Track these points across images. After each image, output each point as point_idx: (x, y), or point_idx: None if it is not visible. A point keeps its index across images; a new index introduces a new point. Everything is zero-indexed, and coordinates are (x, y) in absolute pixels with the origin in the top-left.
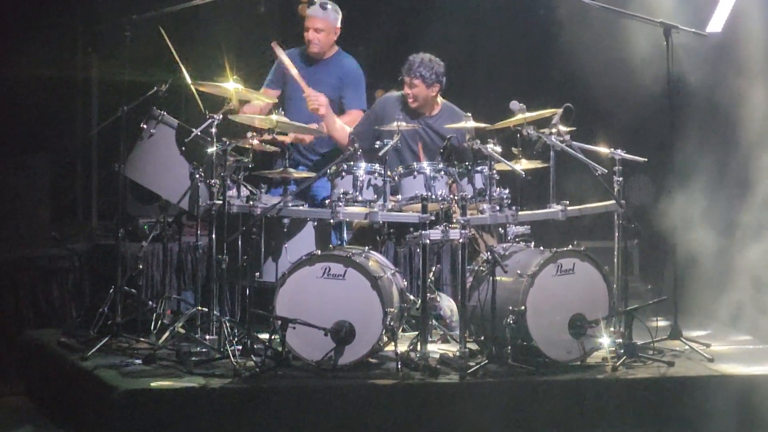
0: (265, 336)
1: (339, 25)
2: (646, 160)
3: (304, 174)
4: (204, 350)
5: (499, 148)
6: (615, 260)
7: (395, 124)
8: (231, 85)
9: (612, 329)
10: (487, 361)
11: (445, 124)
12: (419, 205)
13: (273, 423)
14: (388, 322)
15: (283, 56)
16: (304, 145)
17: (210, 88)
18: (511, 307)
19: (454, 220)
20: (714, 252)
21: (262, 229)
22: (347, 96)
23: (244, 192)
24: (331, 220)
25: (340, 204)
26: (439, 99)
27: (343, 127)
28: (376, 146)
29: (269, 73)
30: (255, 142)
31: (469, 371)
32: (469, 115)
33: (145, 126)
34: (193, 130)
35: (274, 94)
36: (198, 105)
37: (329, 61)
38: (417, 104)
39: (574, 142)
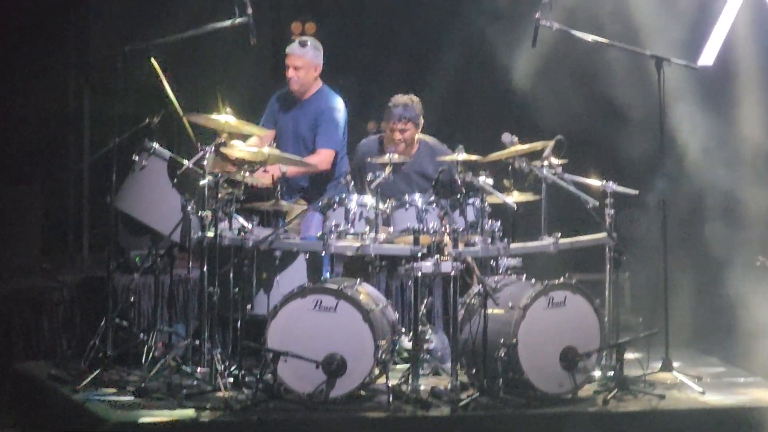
0: (256, 368)
1: (320, 61)
2: (637, 192)
3: (296, 206)
4: (195, 383)
5: (490, 181)
6: (606, 293)
7: (387, 157)
8: (223, 118)
9: (603, 362)
10: (478, 394)
11: (425, 162)
12: (411, 238)
13: None
14: (379, 355)
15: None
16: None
17: (202, 121)
18: (502, 340)
19: (446, 253)
20: (705, 284)
21: (254, 262)
22: (318, 134)
23: (236, 224)
24: (323, 253)
25: (332, 236)
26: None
27: (311, 166)
28: (369, 178)
29: (263, 115)
30: (247, 174)
31: (460, 404)
32: (461, 146)
33: (137, 158)
34: (185, 162)
35: (270, 134)
36: (190, 137)
37: (310, 99)
38: (404, 147)
39: (566, 175)
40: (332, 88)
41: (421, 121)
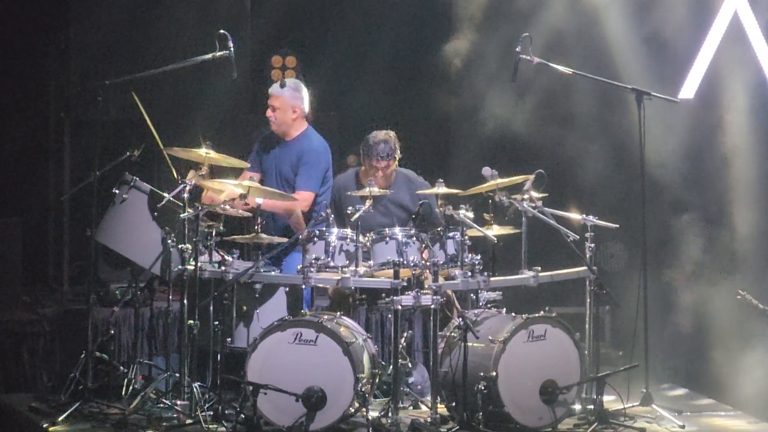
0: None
1: (300, 104)
2: (617, 226)
3: (276, 239)
4: (175, 416)
5: (471, 214)
6: (587, 326)
7: (367, 190)
8: (203, 151)
9: (583, 395)
10: (458, 427)
11: (401, 193)
12: (391, 271)
13: None
14: (359, 388)
15: None
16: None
17: (182, 154)
18: (482, 373)
19: (426, 286)
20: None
21: (234, 295)
22: (299, 176)
23: (216, 257)
24: (303, 286)
25: (312, 270)
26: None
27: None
28: (348, 211)
29: (250, 155)
30: (228, 207)
31: None
32: (441, 180)
33: (117, 191)
34: (166, 195)
35: (255, 176)
36: (171, 170)
37: (293, 141)
38: (385, 181)
39: (546, 208)
40: (316, 128)
41: (399, 154)
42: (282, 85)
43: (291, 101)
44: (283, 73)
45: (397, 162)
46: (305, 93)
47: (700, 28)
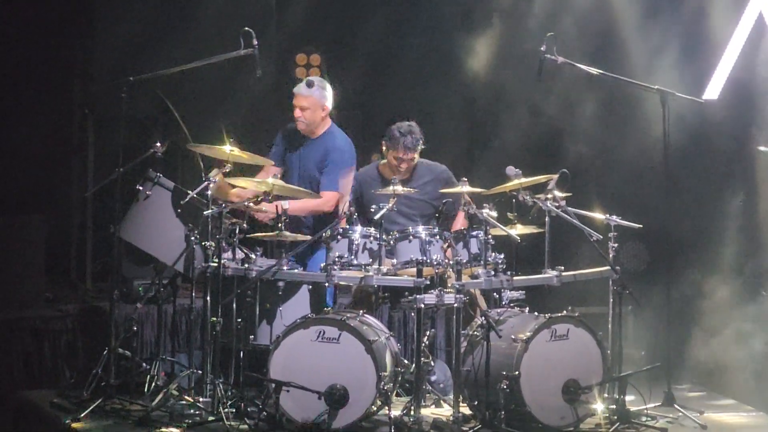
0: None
1: (327, 102)
2: (641, 226)
3: (300, 237)
4: (197, 413)
5: (494, 213)
6: (609, 326)
7: (391, 188)
8: (227, 148)
9: (606, 395)
10: (480, 426)
11: (423, 181)
12: (414, 270)
13: None
14: (381, 386)
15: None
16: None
17: (206, 151)
18: (504, 372)
19: (449, 285)
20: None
21: (257, 292)
22: (324, 176)
23: (240, 254)
24: (326, 284)
25: (335, 268)
26: None
27: (313, 206)
28: (372, 209)
29: (271, 149)
30: (252, 205)
31: None
32: (465, 179)
33: (141, 188)
34: (189, 192)
35: (278, 171)
36: (198, 166)
37: (318, 139)
38: (408, 173)
39: (570, 208)
40: (340, 126)
41: (422, 146)
42: (309, 85)
43: (320, 100)
44: (308, 71)
45: (418, 154)
46: (330, 90)
47: (726, 29)
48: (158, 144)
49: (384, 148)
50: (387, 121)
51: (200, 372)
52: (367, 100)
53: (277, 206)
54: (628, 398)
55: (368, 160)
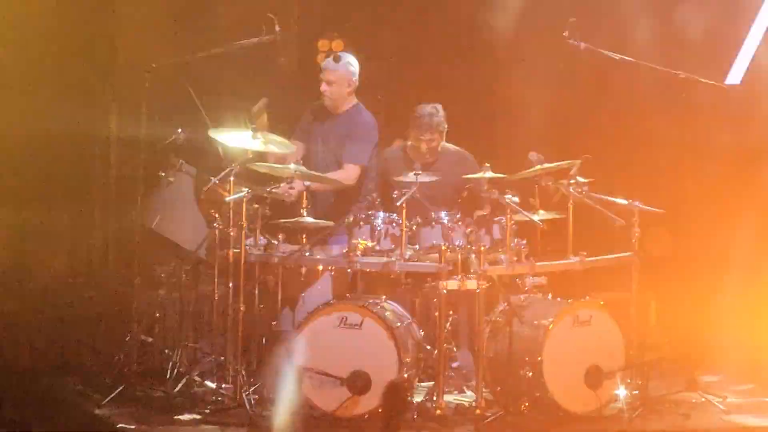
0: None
1: (354, 78)
2: (663, 211)
3: (322, 222)
4: (220, 399)
5: (517, 199)
6: (632, 312)
7: (413, 174)
8: (250, 134)
9: (628, 381)
10: (502, 412)
11: (450, 171)
12: (436, 255)
13: None
14: (404, 372)
15: None
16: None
17: (229, 138)
18: (527, 358)
19: (472, 270)
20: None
21: (279, 278)
22: (346, 149)
23: (262, 241)
24: (349, 270)
25: (358, 253)
26: None
27: (335, 180)
28: (394, 195)
29: (298, 125)
30: (274, 191)
31: (484, 422)
32: (488, 165)
33: (163, 174)
34: (212, 178)
35: (301, 146)
36: (218, 152)
37: (343, 114)
38: (432, 155)
39: (592, 193)
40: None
41: (446, 128)
42: (336, 60)
43: (347, 75)
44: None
45: (444, 136)
46: (357, 66)
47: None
48: (180, 130)
49: (409, 129)
50: (410, 105)
51: (222, 358)
52: (390, 85)
53: (298, 186)
54: (651, 384)
55: (390, 145)
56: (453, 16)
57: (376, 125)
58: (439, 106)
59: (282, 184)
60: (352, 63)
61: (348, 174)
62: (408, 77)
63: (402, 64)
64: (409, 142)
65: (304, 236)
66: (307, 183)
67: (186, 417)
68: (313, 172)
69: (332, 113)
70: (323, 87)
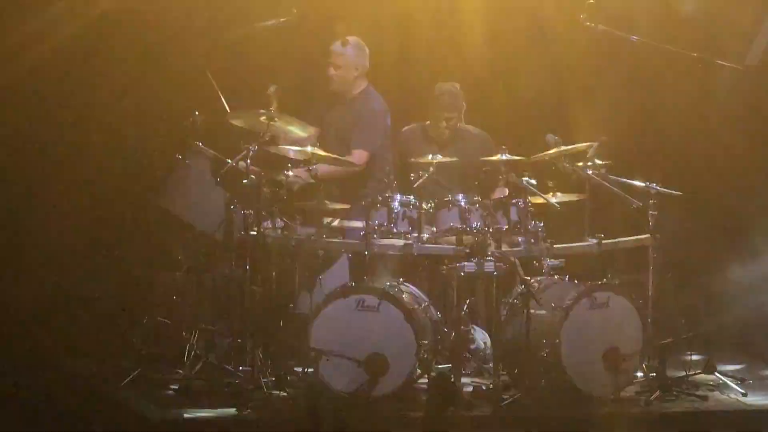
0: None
1: (362, 61)
2: (681, 194)
3: (339, 205)
4: (237, 381)
5: (534, 181)
6: (649, 294)
7: (430, 157)
8: (266, 118)
9: (646, 363)
10: (520, 394)
11: (468, 150)
12: (454, 237)
13: None
14: (421, 355)
15: None
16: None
17: (245, 121)
18: (545, 341)
19: (489, 253)
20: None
21: (297, 261)
22: (355, 135)
23: (279, 223)
24: (366, 252)
25: (375, 236)
26: None
27: (344, 168)
28: (411, 178)
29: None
30: (290, 174)
31: (502, 404)
32: (505, 147)
33: (180, 157)
34: (229, 161)
35: (315, 131)
36: (235, 133)
37: (353, 99)
38: (450, 134)
39: (610, 176)
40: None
41: (464, 106)
42: (344, 44)
43: (354, 60)
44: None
45: (462, 116)
46: (366, 52)
47: None
48: (197, 113)
49: (428, 109)
50: (427, 86)
51: (240, 341)
52: (404, 68)
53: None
54: (669, 366)
55: (402, 127)
56: None
57: (386, 111)
58: (458, 85)
59: (299, 168)
60: (359, 48)
61: (355, 159)
62: (424, 57)
63: (415, 45)
64: (428, 122)
65: (320, 219)
66: (313, 169)
67: (203, 400)
68: (330, 155)
69: (342, 98)
70: (330, 71)
